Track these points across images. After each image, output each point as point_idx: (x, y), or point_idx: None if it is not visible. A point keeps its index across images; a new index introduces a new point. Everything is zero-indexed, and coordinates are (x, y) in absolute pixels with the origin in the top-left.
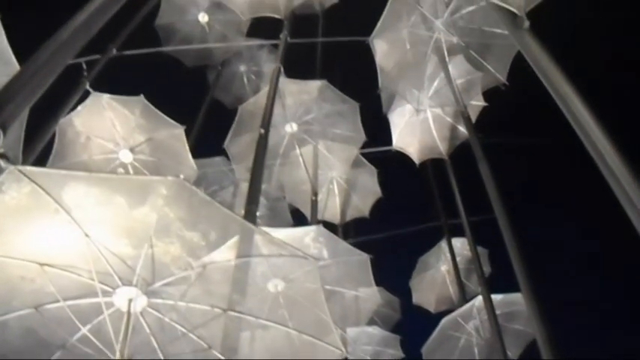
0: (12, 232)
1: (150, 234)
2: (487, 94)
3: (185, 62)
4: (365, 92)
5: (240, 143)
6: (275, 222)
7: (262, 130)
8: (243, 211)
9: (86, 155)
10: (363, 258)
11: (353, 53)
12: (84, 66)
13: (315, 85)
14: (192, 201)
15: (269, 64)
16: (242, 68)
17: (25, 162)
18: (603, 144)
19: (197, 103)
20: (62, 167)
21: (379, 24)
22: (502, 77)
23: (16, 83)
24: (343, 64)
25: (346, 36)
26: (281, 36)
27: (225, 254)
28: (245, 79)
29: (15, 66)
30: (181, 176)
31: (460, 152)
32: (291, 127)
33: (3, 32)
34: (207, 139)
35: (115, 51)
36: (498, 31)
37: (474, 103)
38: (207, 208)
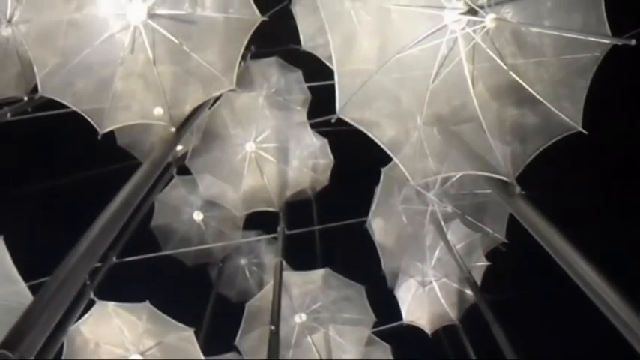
0: None
1: None
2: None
3: (186, 262)
4: (368, 268)
5: (251, 339)
6: None
7: (273, 327)
8: None
9: None
10: None
11: (351, 232)
12: (86, 275)
13: (318, 274)
14: None
15: (269, 255)
16: (243, 262)
17: None
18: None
19: (202, 299)
20: None
21: (374, 205)
22: (501, 236)
23: (31, 314)
24: (344, 243)
25: (342, 216)
26: (278, 229)
27: None
28: (247, 272)
29: (21, 283)
30: None
31: (471, 314)
32: (300, 318)
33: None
34: (217, 335)
35: (114, 259)
36: (489, 191)
37: (478, 264)
38: None
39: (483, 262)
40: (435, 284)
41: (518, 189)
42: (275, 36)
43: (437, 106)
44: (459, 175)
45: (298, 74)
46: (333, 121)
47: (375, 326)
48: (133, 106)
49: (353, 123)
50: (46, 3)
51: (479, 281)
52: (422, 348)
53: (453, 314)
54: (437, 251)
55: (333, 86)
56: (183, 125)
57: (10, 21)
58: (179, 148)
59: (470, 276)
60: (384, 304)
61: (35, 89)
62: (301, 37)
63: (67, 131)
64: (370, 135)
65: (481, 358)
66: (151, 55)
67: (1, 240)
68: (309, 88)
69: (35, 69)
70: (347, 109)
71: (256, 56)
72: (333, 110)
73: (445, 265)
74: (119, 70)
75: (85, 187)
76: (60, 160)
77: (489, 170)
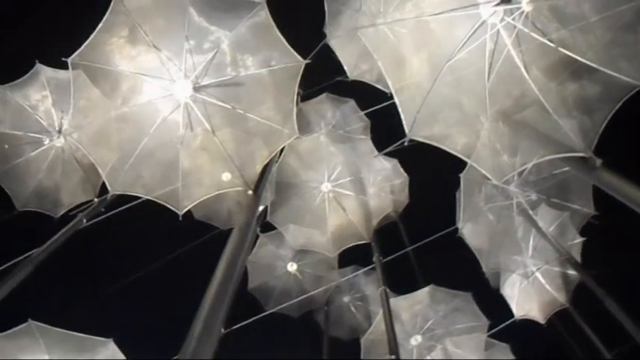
0: None
1: None
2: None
3: (292, 315)
4: (468, 275)
5: None
6: None
7: (393, 357)
8: None
9: None
10: None
11: (445, 242)
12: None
13: (424, 293)
14: None
15: (370, 286)
16: (346, 299)
17: None
18: None
19: (315, 346)
20: None
21: (460, 212)
22: (590, 210)
23: None
24: (435, 256)
25: (426, 230)
26: (374, 259)
27: None
28: (353, 309)
29: None
30: None
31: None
32: (416, 340)
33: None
34: None
35: (222, 330)
36: (567, 168)
37: (574, 242)
38: None
39: (579, 239)
40: (537, 273)
41: (598, 161)
42: (318, 73)
43: (498, 101)
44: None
45: (352, 104)
46: (406, 144)
47: (489, 329)
48: (204, 179)
49: (425, 141)
50: (90, 106)
51: (579, 259)
52: (540, 339)
53: (562, 298)
54: (531, 240)
55: (390, 106)
56: (258, 185)
57: (60, 131)
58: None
59: (570, 256)
60: (493, 306)
61: (104, 188)
62: (345, 67)
63: (145, 218)
64: (443, 147)
65: (600, 335)
66: (208, 126)
67: (111, 342)
68: (366, 114)
69: (99, 170)
70: (415, 128)
71: (306, 98)
72: (396, 130)
73: (543, 251)
74: (181, 149)
75: (175, 267)
76: (144, 247)
77: (565, 150)
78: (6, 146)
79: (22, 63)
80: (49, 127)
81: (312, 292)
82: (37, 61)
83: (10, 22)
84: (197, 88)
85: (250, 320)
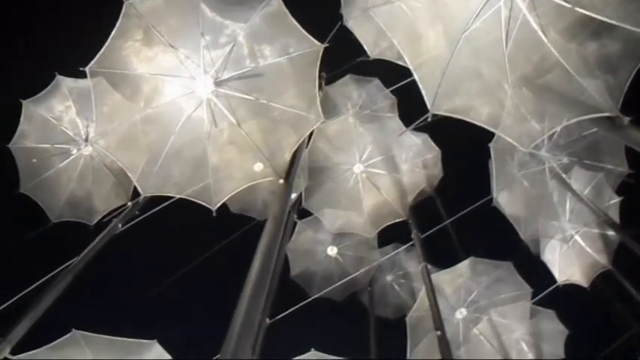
0: None
1: None
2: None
3: (336, 299)
4: (507, 243)
5: (421, 351)
6: None
7: (439, 332)
8: None
9: None
10: None
11: (481, 213)
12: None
13: (465, 266)
14: None
15: (411, 262)
16: (389, 278)
17: None
18: None
19: (361, 328)
20: None
21: (494, 181)
22: (624, 168)
23: None
24: (472, 228)
25: (467, 200)
26: (413, 236)
27: None
28: (396, 287)
29: None
30: None
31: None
32: (461, 313)
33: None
34: (388, 355)
35: (268, 320)
36: (596, 129)
37: (611, 203)
38: None
39: (616, 199)
40: (576, 237)
41: (626, 119)
42: (339, 55)
43: (519, 67)
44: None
45: (376, 82)
46: (429, 119)
47: (532, 297)
48: (235, 173)
49: (448, 114)
50: (114, 111)
51: (617, 219)
52: (585, 303)
53: (603, 260)
54: (567, 204)
55: (414, 81)
56: (289, 173)
57: (87, 140)
58: (293, 196)
59: (607, 217)
60: (535, 273)
61: (137, 191)
62: (365, 47)
63: (181, 216)
64: (468, 119)
65: None
66: (233, 120)
67: (156, 343)
68: (392, 91)
69: (129, 174)
70: (437, 102)
71: (330, 81)
72: (423, 105)
73: (580, 214)
74: (208, 144)
75: (215, 264)
76: (183, 244)
77: (591, 111)
78: (34, 160)
79: (40, 76)
80: (75, 136)
81: (354, 274)
82: (56, 73)
83: (23, 36)
84: (218, 83)
85: (295, 308)
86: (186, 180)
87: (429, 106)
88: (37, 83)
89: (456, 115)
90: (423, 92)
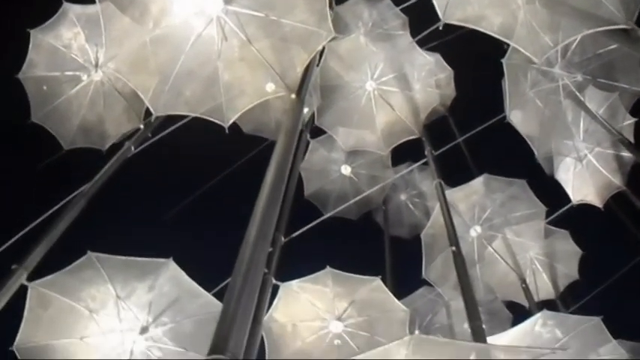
0: None
1: None
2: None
3: (351, 217)
4: (520, 162)
5: (436, 267)
6: (495, 321)
7: (454, 248)
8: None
9: (299, 341)
10: (595, 322)
11: (495, 131)
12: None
13: (478, 183)
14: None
15: (425, 181)
16: (403, 197)
17: None
18: None
19: (377, 247)
20: None
21: (507, 99)
22: (638, 87)
23: (227, 317)
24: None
25: (480, 118)
26: (426, 153)
27: None
28: (411, 206)
29: (205, 295)
30: None
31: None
32: (476, 231)
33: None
34: (404, 275)
35: (283, 238)
36: (612, 47)
37: (625, 123)
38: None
39: (630, 120)
40: (590, 156)
41: None
42: None
43: None
44: (578, 38)
45: (387, 1)
46: (440, 28)
47: (547, 216)
48: (247, 90)
49: (460, 23)
50: (123, 35)
51: (632, 139)
52: (599, 224)
53: (617, 181)
54: (581, 123)
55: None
56: (301, 88)
57: (97, 65)
58: (305, 110)
59: (622, 137)
60: (550, 194)
61: (149, 114)
62: None
63: (194, 138)
64: (479, 29)
65: None
66: (244, 37)
67: (171, 262)
68: (403, 11)
69: (141, 95)
70: (449, 11)
71: (340, 1)
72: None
73: (594, 134)
74: (219, 63)
75: (228, 184)
76: (196, 166)
77: (605, 23)
78: (44, 88)
79: (47, 4)
80: (85, 62)
81: (368, 192)
82: (63, 0)
83: None
84: (227, 1)
85: (310, 226)
86: (197, 98)
87: (440, 16)
88: (45, 11)
89: (468, 25)
90: (435, 1)
